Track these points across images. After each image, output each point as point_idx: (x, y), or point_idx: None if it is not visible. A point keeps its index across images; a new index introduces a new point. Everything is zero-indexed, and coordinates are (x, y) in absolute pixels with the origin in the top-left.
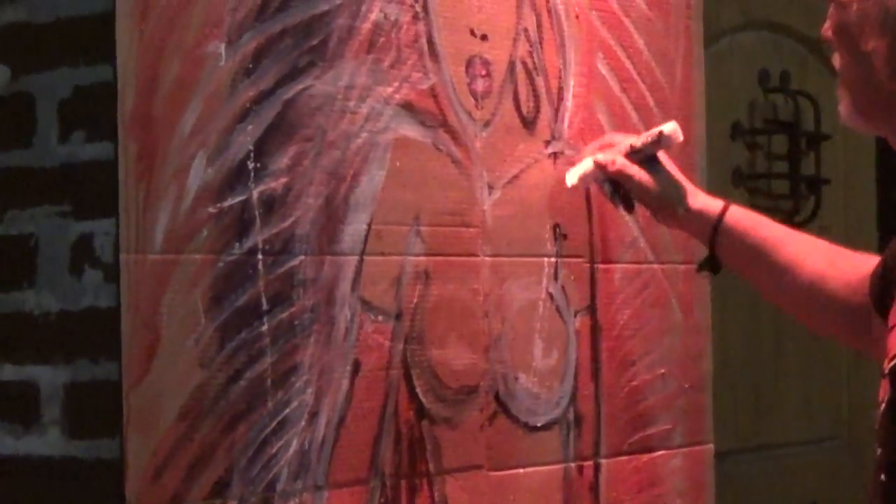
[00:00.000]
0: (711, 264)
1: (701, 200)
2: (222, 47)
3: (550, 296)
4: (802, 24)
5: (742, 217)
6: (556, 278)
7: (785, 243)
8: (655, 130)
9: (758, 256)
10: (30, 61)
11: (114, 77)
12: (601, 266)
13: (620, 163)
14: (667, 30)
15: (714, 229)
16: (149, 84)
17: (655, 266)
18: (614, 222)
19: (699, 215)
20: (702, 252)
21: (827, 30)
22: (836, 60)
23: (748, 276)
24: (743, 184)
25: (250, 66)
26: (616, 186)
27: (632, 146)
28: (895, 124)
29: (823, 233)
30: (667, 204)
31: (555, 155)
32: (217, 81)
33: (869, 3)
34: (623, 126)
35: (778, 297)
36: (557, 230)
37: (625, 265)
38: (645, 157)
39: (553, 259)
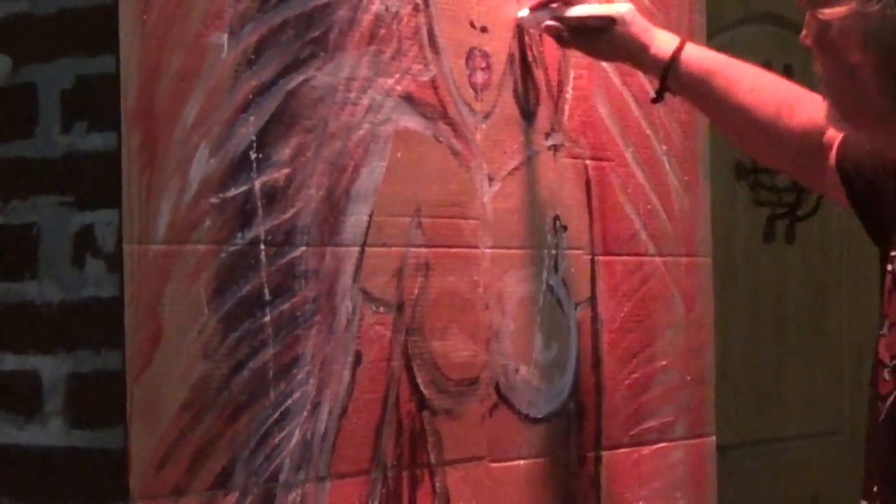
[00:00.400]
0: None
1: (653, 49)
2: (224, 38)
3: (551, 288)
4: (804, 17)
5: (695, 61)
6: (556, 270)
7: (738, 87)
8: (609, 13)
9: (713, 101)
10: (32, 52)
11: (116, 68)
12: (602, 258)
13: (567, 41)
14: (668, 23)
15: (665, 74)
16: (151, 75)
17: (657, 259)
18: (615, 215)
19: (652, 62)
20: None
21: (806, 37)
22: (819, 66)
23: (704, 114)
24: (746, 177)
25: (252, 57)
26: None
27: (581, 19)
28: (883, 132)
29: (826, 227)
30: (615, 60)
31: (555, 147)
32: (219, 72)
33: (849, 21)
34: (624, 119)
35: (733, 135)
36: (558, 222)
37: (626, 258)
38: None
39: (553, 251)
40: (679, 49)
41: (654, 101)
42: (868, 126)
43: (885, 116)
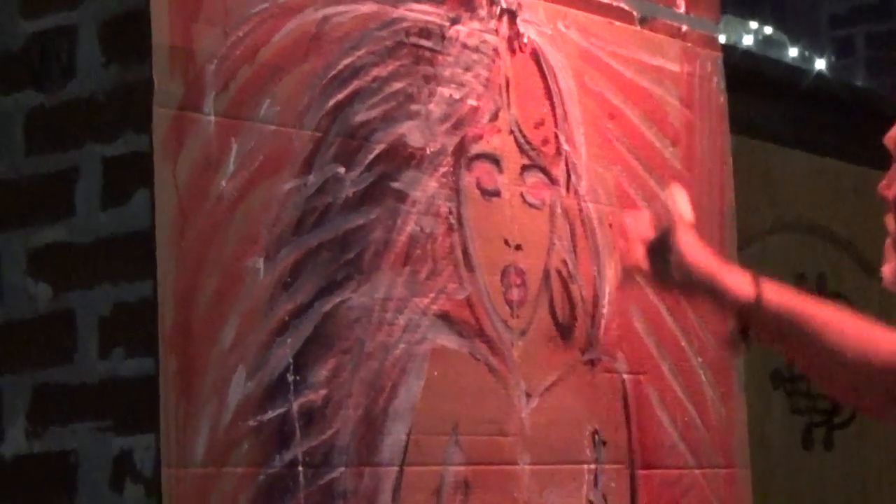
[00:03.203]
0: (744, 343)
1: (732, 287)
2: (261, 262)
3: (591, 503)
4: (836, 225)
5: (776, 305)
6: (596, 485)
7: (824, 331)
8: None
9: (797, 346)
10: (71, 280)
11: (153, 293)
12: (641, 472)
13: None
14: (700, 236)
15: (746, 317)
16: (188, 299)
17: (696, 471)
18: (653, 427)
19: (727, 298)
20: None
21: (885, 188)
22: (891, 222)
23: (787, 356)
24: (782, 385)
25: (288, 280)
26: None
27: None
28: None
29: (865, 433)
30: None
31: (592, 362)
32: (256, 295)
33: None
34: (660, 332)
35: (817, 378)
36: (596, 437)
37: (665, 470)
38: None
39: (593, 466)
40: (759, 292)
41: (732, 346)
42: None
43: None
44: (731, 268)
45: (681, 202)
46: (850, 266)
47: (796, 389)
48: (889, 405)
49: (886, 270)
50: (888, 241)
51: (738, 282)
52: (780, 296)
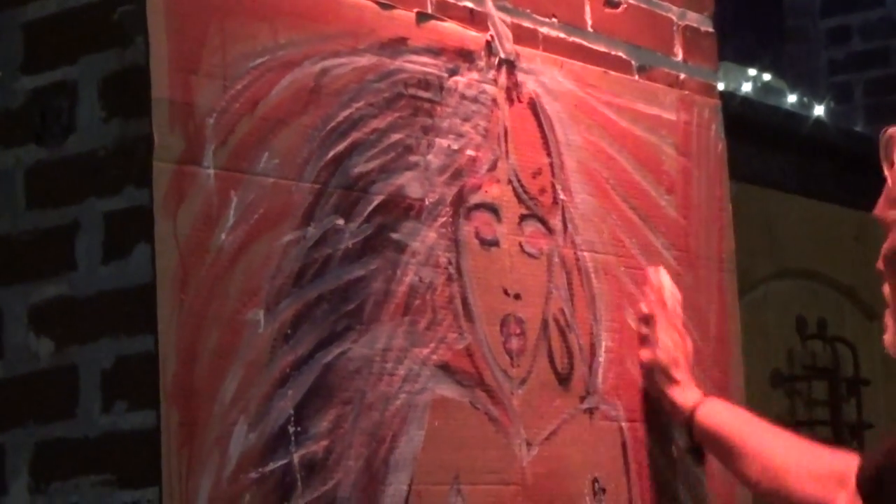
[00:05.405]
0: (695, 454)
1: (678, 396)
2: (261, 314)
3: None
4: (837, 271)
5: (707, 423)
6: None
7: (746, 459)
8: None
9: (727, 452)
10: (72, 334)
11: (155, 347)
12: None
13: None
14: (697, 283)
15: (688, 425)
16: (189, 353)
17: None
18: (654, 475)
19: (678, 413)
20: None
21: (879, 263)
22: (886, 290)
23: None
24: None
25: (288, 332)
26: None
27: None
28: None
29: None
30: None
31: (590, 410)
32: (257, 348)
33: None
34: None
35: (749, 486)
36: (596, 484)
37: None
38: None
39: None
40: (696, 406)
41: (689, 451)
42: None
43: None
44: (688, 385)
45: (666, 284)
46: (850, 311)
47: None
48: None
49: (886, 338)
50: (887, 312)
51: (686, 397)
52: (716, 415)
